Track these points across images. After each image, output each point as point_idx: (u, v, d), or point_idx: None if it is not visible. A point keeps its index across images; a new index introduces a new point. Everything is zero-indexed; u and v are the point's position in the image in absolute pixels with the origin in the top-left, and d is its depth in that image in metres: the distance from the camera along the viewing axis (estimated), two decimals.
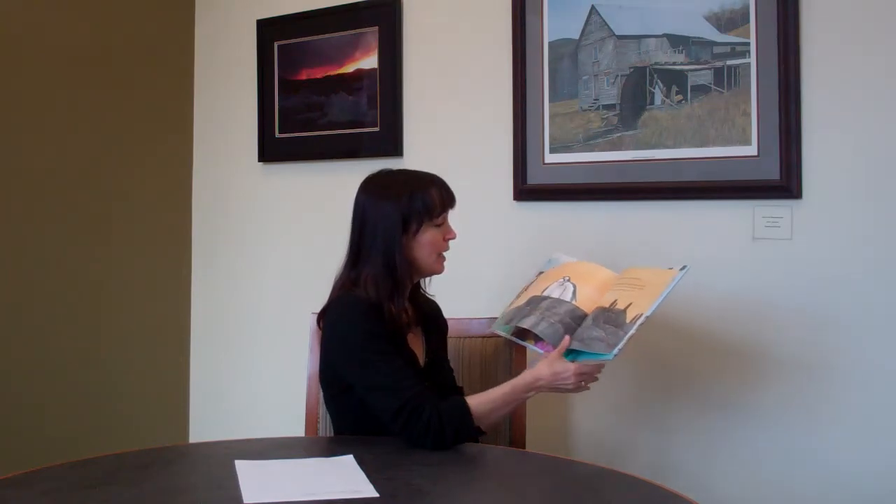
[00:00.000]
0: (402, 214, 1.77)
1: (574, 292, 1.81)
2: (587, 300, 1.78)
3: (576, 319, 1.75)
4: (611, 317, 1.69)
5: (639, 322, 1.63)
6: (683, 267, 1.69)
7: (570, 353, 1.72)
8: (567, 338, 1.70)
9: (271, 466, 1.51)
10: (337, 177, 2.86)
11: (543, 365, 1.71)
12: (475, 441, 1.71)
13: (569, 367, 1.69)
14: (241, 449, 1.66)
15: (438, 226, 1.80)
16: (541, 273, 1.96)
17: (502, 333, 1.91)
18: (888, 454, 2.00)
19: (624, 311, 1.68)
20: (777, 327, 2.13)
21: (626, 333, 1.63)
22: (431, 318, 1.93)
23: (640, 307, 1.66)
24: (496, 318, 1.95)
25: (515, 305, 1.89)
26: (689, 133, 2.22)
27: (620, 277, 1.79)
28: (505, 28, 2.50)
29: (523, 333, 1.85)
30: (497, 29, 2.52)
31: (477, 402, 1.71)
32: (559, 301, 1.80)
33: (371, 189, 1.83)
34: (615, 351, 1.63)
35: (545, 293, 1.84)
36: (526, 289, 1.94)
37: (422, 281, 1.92)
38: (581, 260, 1.94)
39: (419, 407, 1.64)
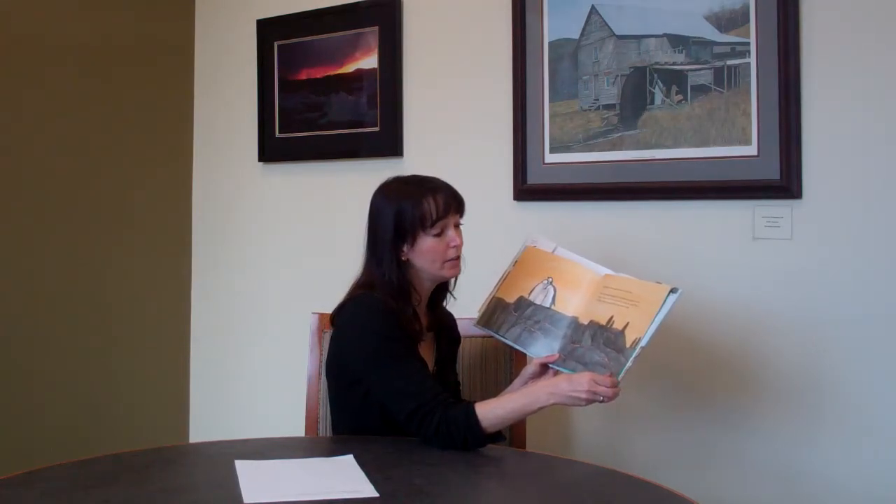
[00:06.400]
0: (395, 225, 1.77)
1: (553, 297, 1.84)
2: (565, 303, 1.81)
3: (555, 323, 1.79)
4: (610, 338, 1.70)
5: (635, 353, 1.65)
6: (675, 289, 1.68)
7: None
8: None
9: (271, 466, 1.52)
10: (337, 177, 2.86)
11: (562, 377, 1.70)
12: (495, 444, 1.70)
13: (584, 376, 1.66)
14: (241, 449, 1.66)
15: (437, 235, 1.78)
16: (517, 259, 1.94)
17: (491, 334, 1.90)
18: (888, 455, 2.00)
19: (622, 332, 1.69)
20: (777, 327, 2.13)
21: (626, 361, 1.65)
22: (445, 329, 1.94)
23: (637, 329, 1.67)
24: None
25: (505, 302, 1.89)
26: (689, 133, 2.22)
27: (606, 286, 1.79)
28: (505, 28, 2.50)
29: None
30: (497, 29, 2.52)
31: (486, 409, 1.66)
32: (540, 308, 1.84)
33: (378, 195, 1.84)
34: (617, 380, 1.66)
35: (531, 297, 1.86)
36: (505, 277, 1.93)
37: (449, 287, 1.91)
38: (559, 248, 1.91)
39: (431, 412, 1.65)
